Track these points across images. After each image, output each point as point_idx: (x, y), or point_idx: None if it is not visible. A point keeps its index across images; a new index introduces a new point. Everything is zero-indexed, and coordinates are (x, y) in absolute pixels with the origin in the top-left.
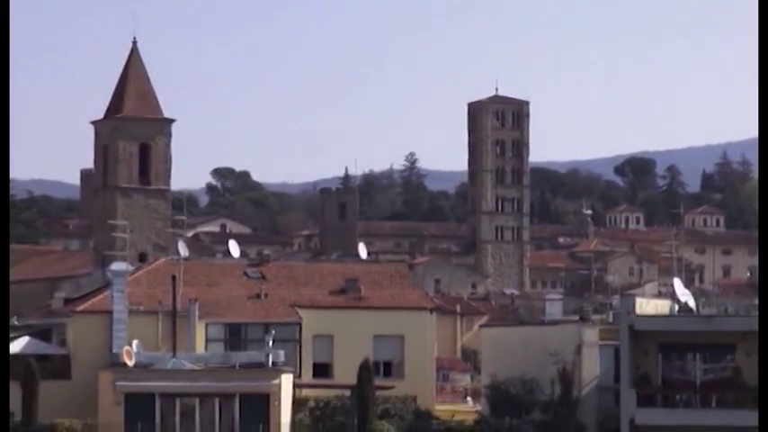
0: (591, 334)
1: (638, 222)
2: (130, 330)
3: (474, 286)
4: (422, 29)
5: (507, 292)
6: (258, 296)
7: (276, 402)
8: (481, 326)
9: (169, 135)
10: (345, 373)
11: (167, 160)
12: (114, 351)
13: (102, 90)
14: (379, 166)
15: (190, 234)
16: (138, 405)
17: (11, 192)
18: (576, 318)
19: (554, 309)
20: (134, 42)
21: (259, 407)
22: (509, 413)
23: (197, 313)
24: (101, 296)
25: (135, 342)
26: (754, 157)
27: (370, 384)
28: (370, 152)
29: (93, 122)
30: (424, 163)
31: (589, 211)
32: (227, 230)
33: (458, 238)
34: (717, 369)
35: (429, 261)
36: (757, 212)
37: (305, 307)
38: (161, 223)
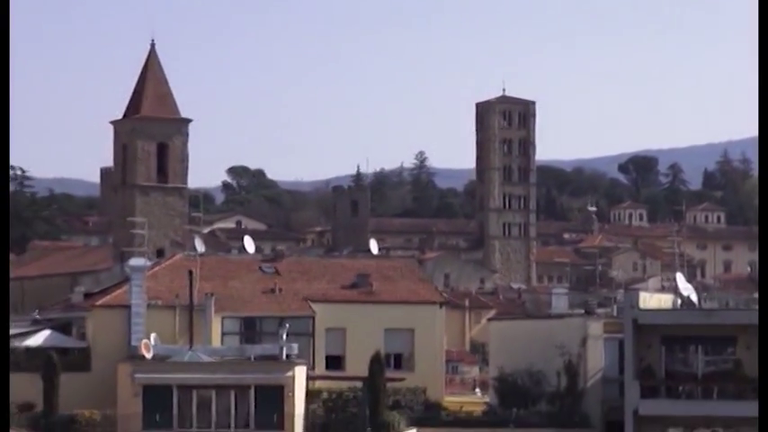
0: (596, 327)
1: (641, 219)
2: (148, 324)
3: (482, 281)
4: (431, 32)
5: (514, 286)
6: (272, 290)
7: (290, 394)
8: (489, 319)
9: (186, 134)
10: (357, 365)
11: (184, 159)
12: (133, 344)
13: (121, 91)
14: (389, 164)
15: (206, 230)
16: (155, 396)
17: (33, 190)
18: (582, 311)
19: (560, 303)
20: (152, 45)
21: (273, 398)
22: (516, 404)
23: (213, 307)
24: (120, 291)
25: (153, 335)
26: (754, 156)
27: (381, 376)
28: (382, 151)
29: (113, 122)
30: (434, 161)
31: (594, 208)
32: (243, 227)
33: (466, 235)
34: (718, 361)
35: (438, 256)
36: (757, 209)
37: (318, 301)
38: (178, 220)
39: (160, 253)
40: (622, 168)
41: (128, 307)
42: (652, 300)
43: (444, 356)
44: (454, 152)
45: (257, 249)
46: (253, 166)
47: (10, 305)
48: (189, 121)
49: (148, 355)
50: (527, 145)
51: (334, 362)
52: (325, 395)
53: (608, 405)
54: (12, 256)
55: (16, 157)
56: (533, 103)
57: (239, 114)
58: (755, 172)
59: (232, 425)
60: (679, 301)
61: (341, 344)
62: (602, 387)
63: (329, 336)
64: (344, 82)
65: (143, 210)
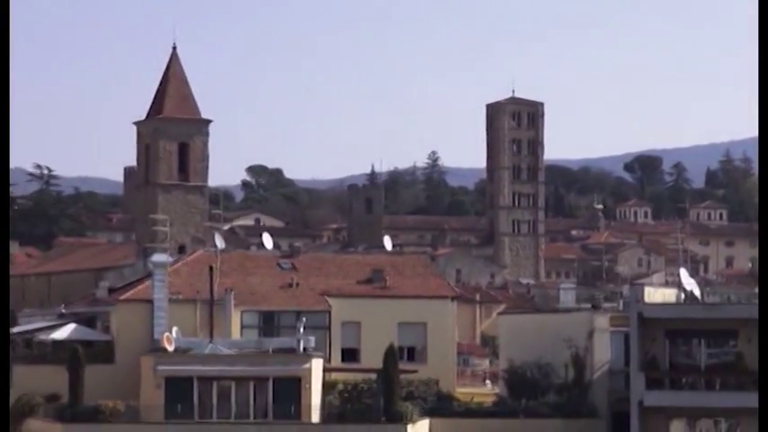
0: (602, 321)
1: (646, 216)
2: (170, 318)
3: (492, 276)
4: (444, 39)
5: (523, 281)
6: (290, 285)
7: (307, 385)
8: (499, 313)
9: (206, 135)
10: (372, 357)
11: (205, 158)
12: (155, 337)
13: (144, 93)
14: (403, 163)
15: (226, 227)
16: (177, 388)
17: (59, 188)
18: (588, 306)
19: (567, 297)
20: (173, 49)
21: (291, 389)
22: (525, 395)
23: (233, 302)
24: (142, 286)
25: (174, 329)
26: (755, 155)
27: (394, 368)
28: (395, 151)
29: (136, 123)
30: (446, 161)
31: (600, 206)
32: (261, 224)
33: (477, 231)
34: (720, 354)
35: (450, 253)
36: (758, 206)
37: (334, 296)
38: (199, 217)
39: (182, 249)
40: (628, 167)
41: (150, 301)
42: (656, 294)
43: (456, 349)
44: (465, 152)
45: (275, 246)
46: (271, 165)
47: (37, 300)
48: (209, 121)
49: (170, 348)
50: (536, 145)
51: (350, 354)
52: (340, 386)
53: (614, 396)
54: (38, 253)
55: (43, 157)
56: (542, 104)
57: (258, 115)
58: (756, 171)
59: (251, 415)
60: (682, 296)
61: (356, 337)
62: (609, 379)
63: (345, 329)
64: (359, 85)
65: (165, 207)
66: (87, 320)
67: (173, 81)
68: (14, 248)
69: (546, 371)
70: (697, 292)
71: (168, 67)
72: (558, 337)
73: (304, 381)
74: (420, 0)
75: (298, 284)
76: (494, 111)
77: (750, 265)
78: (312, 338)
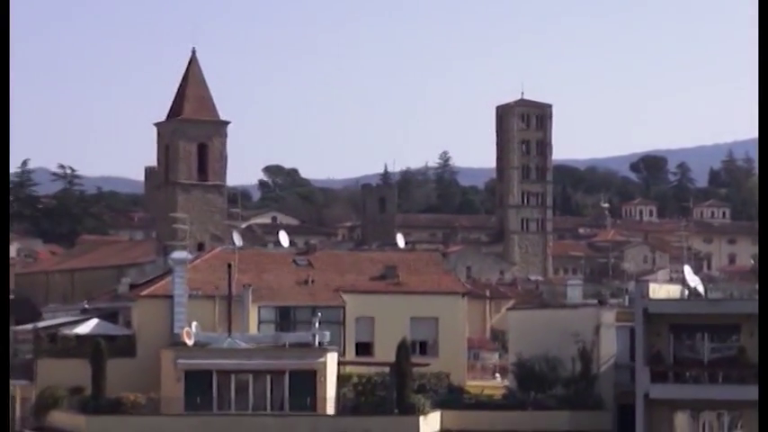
0: (608, 316)
1: (651, 215)
2: (190, 313)
3: (502, 273)
4: (455, 42)
5: (532, 278)
6: (306, 282)
7: (322, 378)
8: (508, 309)
9: (225, 135)
10: (385, 351)
11: (223, 158)
12: (175, 332)
13: (164, 95)
14: (415, 163)
15: (243, 226)
16: (196, 381)
17: (82, 188)
18: (595, 301)
19: (575, 293)
20: (193, 51)
21: (307, 382)
22: (534, 388)
23: (250, 297)
24: (163, 282)
25: (194, 323)
26: (756, 155)
27: (407, 362)
28: (408, 151)
29: (156, 124)
30: (457, 161)
31: (606, 205)
32: (278, 222)
33: (487, 229)
34: (723, 348)
35: (461, 250)
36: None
37: (348, 291)
38: (217, 216)
39: (201, 247)
40: (633, 167)
41: (170, 297)
42: (661, 290)
43: (466, 343)
44: (476, 152)
45: (291, 243)
46: (287, 165)
47: (60, 296)
48: (227, 123)
49: (190, 342)
50: (544, 145)
51: (364, 348)
52: (355, 379)
53: (620, 389)
54: (62, 250)
55: (66, 157)
56: (550, 106)
57: (275, 117)
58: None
59: (268, 407)
60: (686, 292)
61: (370, 332)
62: (615, 372)
63: (359, 324)
64: (373, 87)
65: (184, 206)
66: (109, 315)
67: (192, 83)
68: (39, 246)
69: (554, 364)
70: (700, 289)
71: (188, 70)
72: (565, 332)
73: (319, 374)
74: (433, 4)
75: (313, 281)
76: (503, 112)
77: (752, 262)
78: (327, 333)
